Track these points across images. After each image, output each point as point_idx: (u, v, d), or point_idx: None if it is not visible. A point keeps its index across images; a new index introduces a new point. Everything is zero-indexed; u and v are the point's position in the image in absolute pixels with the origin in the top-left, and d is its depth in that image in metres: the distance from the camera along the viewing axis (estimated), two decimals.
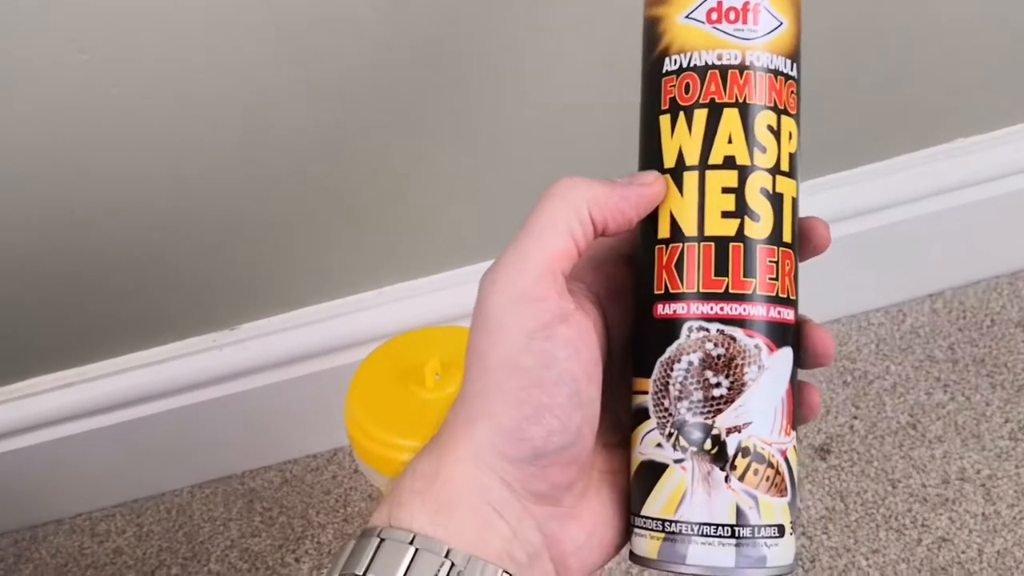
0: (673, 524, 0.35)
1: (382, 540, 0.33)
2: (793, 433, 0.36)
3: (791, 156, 0.36)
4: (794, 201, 0.36)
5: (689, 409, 0.35)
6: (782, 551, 0.35)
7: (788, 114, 0.36)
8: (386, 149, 0.70)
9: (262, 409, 0.84)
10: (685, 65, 0.36)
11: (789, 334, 0.36)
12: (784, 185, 0.35)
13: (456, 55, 0.66)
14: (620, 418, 0.38)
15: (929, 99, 0.80)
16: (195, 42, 0.61)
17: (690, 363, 0.35)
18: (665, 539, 0.35)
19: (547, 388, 0.34)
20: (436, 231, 0.78)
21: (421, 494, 0.34)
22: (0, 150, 0.64)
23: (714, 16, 0.35)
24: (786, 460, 0.35)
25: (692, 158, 0.35)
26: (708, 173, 0.35)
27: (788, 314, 0.36)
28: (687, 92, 0.36)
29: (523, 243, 0.35)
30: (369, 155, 0.70)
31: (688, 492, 0.35)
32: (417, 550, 0.32)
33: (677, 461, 0.35)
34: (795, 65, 0.36)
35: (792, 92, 0.36)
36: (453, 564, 0.32)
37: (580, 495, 0.36)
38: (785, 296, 0.35)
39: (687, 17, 0.36)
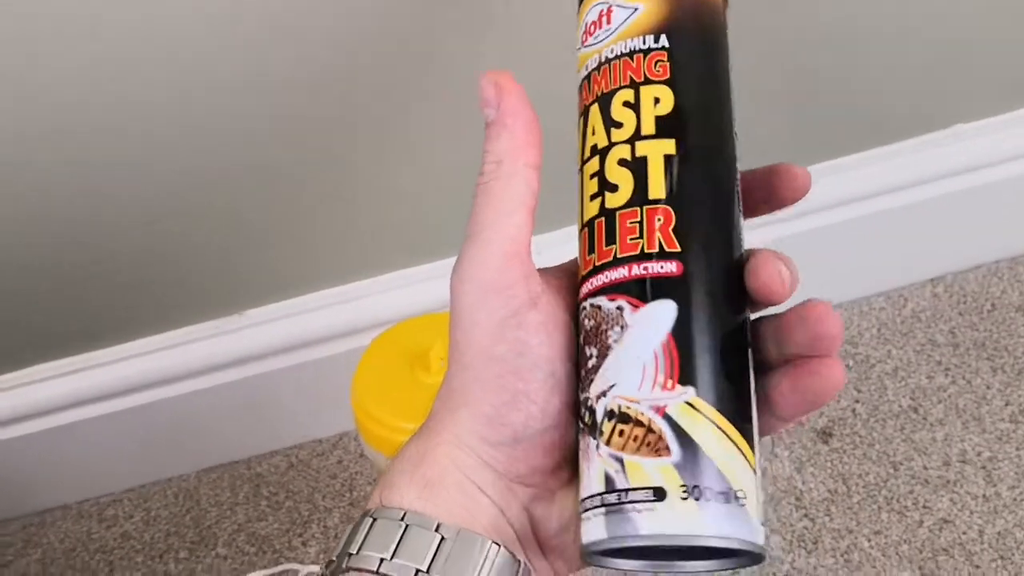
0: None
1: (374, 520, 0.34)
2: (681, 387, 0.32)
3: (659, 118, 0.36)
4: (667, 158, 0.35)
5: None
6: (664, 517, 0.31)
7: (652, 82, 0.36)
8: (392, 135, 0.71)
9: (268, 395, 0.85)
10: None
11: (668, 285, 0.34)
12: (647, 147, 0.35)
13: (450, 46, 0.66)
14: None
15: (930, 84, 0.80)
16: (194, 35, 0.61)
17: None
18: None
19: (522, 374, 0.34)
20: (441, 216, 0.78)
21: (409, 473, 0.35)
22: (2, 141, 0.64)
23: (586, 38, 0.39)
24: (666, 417, 0.32)
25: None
26: (584, 167, 0.37)
27: (661, 267, 0.34)
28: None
29: (480, 233, 0.35)
30: (374, 142, 0.71)
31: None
32: (408, 526, 0.33)
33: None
34: (662, 35, 0.37)
35: (658, 61, 0.36)
36: (444, 538, 0.33)
37: (566, 481, 0.36)
38: (654, 250, 0.34)
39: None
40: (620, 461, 0.32)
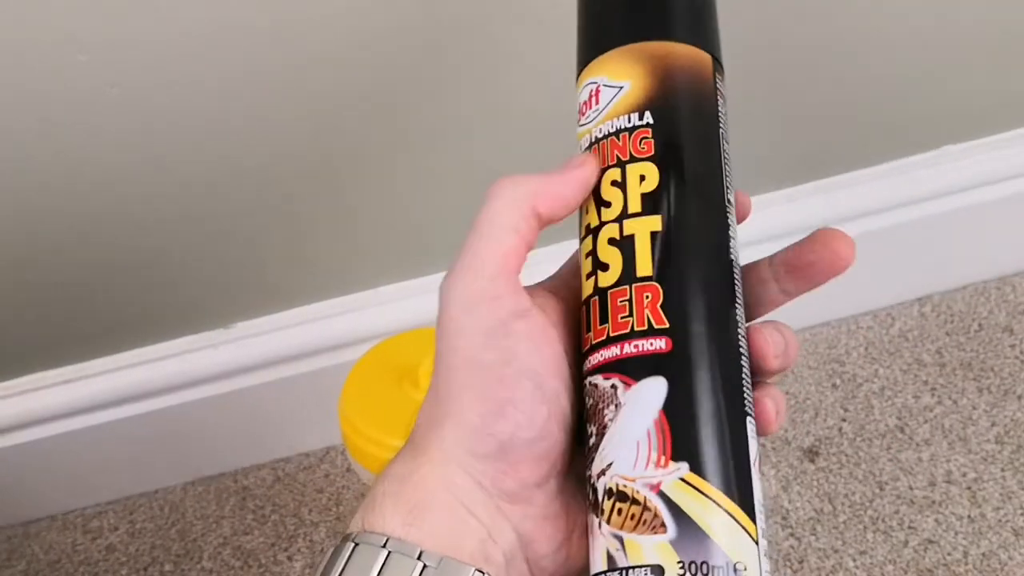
0: None
1: (356, 545, 0.33)
2: (675, 464, 0.33)
3: (644, 196, 0.36)
4: (654, 235, 0.36)
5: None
6: None
7: (637, 160, 0.36)
8: (381, 150, 0.71)
9: (256, 407, 0.84)
10: None
11: (660, 362, 0.34)
12: (635, 225, 0.36)
13: (450, 55, 0.66)
14: None
15: (919, 105, 0.81)
16: (193, 43, 0.61)
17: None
18: None
19: (508, 383, 0.34)
20: (431, 232, 0.78)
21: (393, 496, 0.34)
22: None
23: (580, 117, 0.39)
24: (660, 494, 0.32)
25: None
26: (581, 246, 0.37)
27: (651, 344, 0.34)
28: None
29: (474, 246, 0.35)
30: (364, 156, 0.71)
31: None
32: (390, 553, 0.33)
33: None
34: (647, 112, 0.37)
35: (643, 139, 0.37)
36: (426, 566, 0.32)
37: (554, 495, 0.36)
38: (643, 328, 0.34)
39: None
40: (620, 540, 0.33)
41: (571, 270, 0.40)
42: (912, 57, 0.76)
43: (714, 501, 0.32)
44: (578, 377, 0.37)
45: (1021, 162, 0.85)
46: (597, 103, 0.38)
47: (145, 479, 0.89)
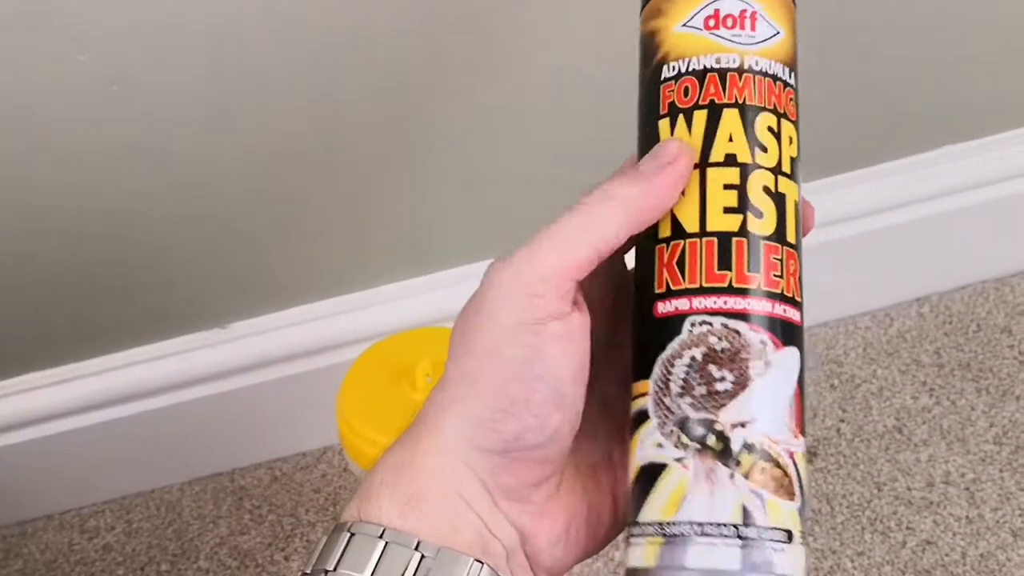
0: (673, 526, 0.33)
1: (352, 535, 0.33)
2: (802, 438, 0.34)
3: (792, 160, 0.36)
4: (796, 204, 0.36)
5: (692, 405, 0.33)
6: (790, 559, 0.33)
7: (788, 119, 0.36)
8: (380, 150, 0.71)
9: (253, 407, 0.84)
10: (684, 70, 0.36)
11: (796, 335, 0.35)
12: (786, 186, 0.35)
13: (453, 54, 0.66)
14: (592, 415, 0.37)
15: (917, 105, 0.81)
16: (193, 41, 0.61)
17: (693, 358, 0.34)
18: (665, 543, 0.33)
19: (527, 383, 0.33)
20: (428, 231, 0.78)
21: (390, 486, 0.34)
22: None
23: (711, 23, 0.35)
24: (794, 463, 0.33)
25: (695, 151, 0.35)
26: (709, 171, 0.35)
27: (794, 314, 0.35)
28: (686, 95, 0.35)
29: (539, 244, 0.34)
30: (363, 155, 0.71)
31: (690, 491, 0.33)
32: (387, 543, 0.32)
33: (678, 460, 0.33)
34: (793, 73, 0.36)
35: (791, 99, 0.36)
36: (424, 556, 0.32)
37: (550, 494, 0.36)
38: (791, 295, 0.34)
39: (684, 26, 0.36)
40: (761, 498, 0.33)
41: (616, 267, 0.38)
42: (910, 57, 0.76)
43: (809, 476, 0.35)
44: (640, 317, 0.35)
45: (1020, 163, 0.85)
46: (752, 30, 0.36)
47: (142, 479, 0.89)
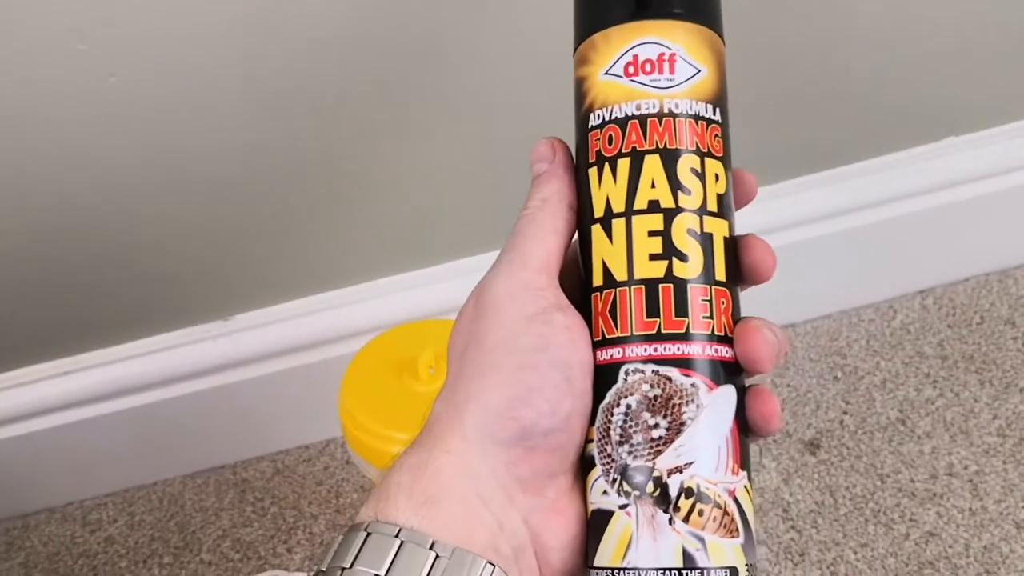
0: (622, 572, 0.34)
1: (369, 534, 0.34)
2: (743, 473, 0.35)
3: (719, 197, 0.36)
4: (726, 240, 0.36)
5: (630, 452, 0.34)
6: None
7: (713, 157, 0.36)
8: (381, 142, 0.70)
9: (255, 400, 0.84)
10: (608, 118, 0.37)
11: (731, 372, 0.35)
12: (713, 224, 0.36)
13: (446, 51, 0.66)
14: None
15: (920, 97, 0.80)
16: (192, 33, 0.61)
17: (628, 406, 0.35)
18: None
19: (541, 370, 0.35)
20: (430, 224, 0.78)
21: (408, 488, 0.35)
22: None
23: (631, 70, 0.37)
24: (735, 500, 0.34)
25: (618, 205, 0.36)
26: (634, 218, 0.36)
27: (727, 352, 0.35)
28: (610, 144, 0.37)
29: (516, 249, 0.37)
30: (363, 148, 0.70)
31: (634, 538, 0.34)
32: (403, 543, 0.33)
33: (622, 507, 0.34)
34: (718, 109, 0.37)
35: (716, 136, 0.37)
36: (438, 556, 0.33)
37: (564, 490, 0.36)
38: (722, 334, 0.35)
39: (607, 74, 0.37)
40: (702, 540, 0.33)
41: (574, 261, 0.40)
42: (913, 48, 0.75)
43: (753, 509, 0.35)
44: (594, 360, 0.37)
45: (1023, 155, 0.85)
46: (671, 72, 0.36)
47: (144, 471, 0.89)
